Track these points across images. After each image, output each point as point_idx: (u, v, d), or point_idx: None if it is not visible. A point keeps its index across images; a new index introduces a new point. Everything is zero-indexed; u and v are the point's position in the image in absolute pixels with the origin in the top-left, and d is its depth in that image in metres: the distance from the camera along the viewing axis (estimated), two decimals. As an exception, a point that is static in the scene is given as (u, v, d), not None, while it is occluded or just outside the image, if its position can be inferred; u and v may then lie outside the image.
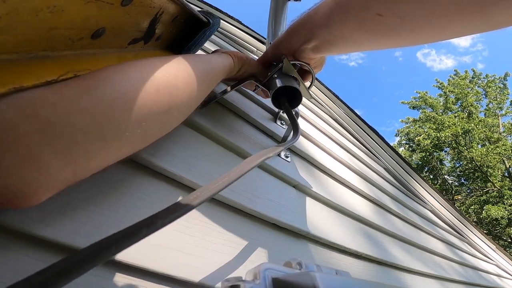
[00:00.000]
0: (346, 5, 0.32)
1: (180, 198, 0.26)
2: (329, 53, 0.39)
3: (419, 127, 8.48)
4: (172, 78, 0.24)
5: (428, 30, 0.29)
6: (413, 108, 8.88)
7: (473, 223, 1.76)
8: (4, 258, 0.17)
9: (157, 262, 0.21)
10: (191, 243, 0.25)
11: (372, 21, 0.30)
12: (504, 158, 7.43)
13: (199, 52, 0.55)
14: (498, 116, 8.51)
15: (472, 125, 7.56)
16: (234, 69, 0.40)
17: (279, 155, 0.48)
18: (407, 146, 9.08)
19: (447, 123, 7.67)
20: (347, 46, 0.36)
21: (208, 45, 0.63)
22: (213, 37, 0.72)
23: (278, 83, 0.40)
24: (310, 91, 0.45)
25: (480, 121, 7.91)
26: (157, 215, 0.16)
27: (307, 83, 0.45)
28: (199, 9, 0.43)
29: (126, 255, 0.20)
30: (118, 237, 0.14)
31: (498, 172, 7.54)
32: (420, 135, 8.11)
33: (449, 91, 8.56)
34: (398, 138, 9.29)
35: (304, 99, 0.47)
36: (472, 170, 7.95)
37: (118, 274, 0.20)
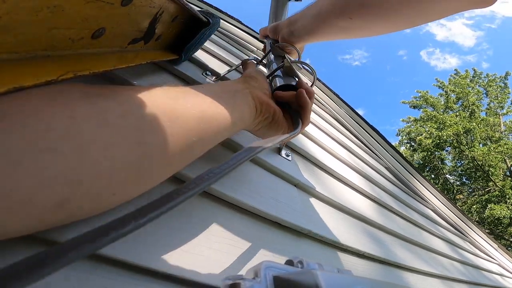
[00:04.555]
0: (326, 14, 0.43)
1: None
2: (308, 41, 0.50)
3: (420, 126, 8.47)
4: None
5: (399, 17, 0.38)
6: (414, 107, 8.87)
7: (475, 222, 1.75)
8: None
9: (157, 261, 0.21)
10: (191, 241, 0.25)
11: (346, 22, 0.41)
12: (505, 157, 7.40)
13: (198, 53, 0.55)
14: (499, 115, 8.48)
15: (474, 124, 7.54)
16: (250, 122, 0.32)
17: (279, 154, 0.48)
18: (408, 145, 9.06)
19: (449, 122, 7.65)
20: (324, 38, 0.47)
21: (208, 44, 0.63)
22: (213, 36, 0.72)
23: (279, 81, 0.40)
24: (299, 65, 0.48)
25: (482, 120, 7.88)
26: (143, 208, 0.14)
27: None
28: (199, 9, 0.43)
29: (125, 254, 0.20)
30: (102, 231, 0.12)
31: (499, 171, 7.51)
32: (422, 135, 8.09)
33: (450, 90, 8.54)
34: (399, 138, 9.27)
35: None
36: (473, 169, 7.92)
37: (117, 273, 0.20)
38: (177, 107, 0.22)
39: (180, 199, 0.15)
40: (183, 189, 0.16)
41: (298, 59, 0.47)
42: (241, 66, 0.49)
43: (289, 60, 0.41)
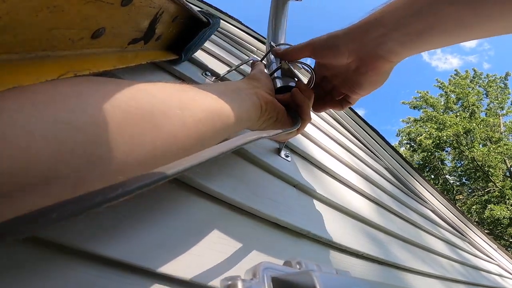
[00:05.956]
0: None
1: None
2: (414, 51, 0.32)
3: (420, 126, 8.47)
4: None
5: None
6: (414, 108, 8.87)
7: (475, 223, 1.75)
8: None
9: (156, 261, 0.21)
10: (189, 241, 0.25)
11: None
12: (505, 158, 7.41)
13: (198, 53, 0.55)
14: (499, 116, 8.49)
15: (474, 124, 7.55)
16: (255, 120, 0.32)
17: (279, 154, 0.48)
18: (408, 146, 9.07)
19: (449, 122, 7.65)
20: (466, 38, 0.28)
21: (208, 44, 0.63)
22: (213, 37, 0.72)
23: (278, 83, 0.40)
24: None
25: (481, 120, 7.88)
26: (122, 183, 0.14)
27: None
28: (199, 9, 0.43)
29: (123, 254, 0.20)
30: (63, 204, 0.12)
31: (499, 172, 7.51)
32: (421, 135, 8.09)
33: (450, 91, 8.54)
34: (399, 138, 9.27)
35: None
36: (473, 170, 7.92)
37: (115, 274, 0.20)
38: (186, 99, 0.22)
39: (166, 175, 0.15)
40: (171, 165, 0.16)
41: (312, 82, 0.42)
42: (241, 67, 0.49)
43: (287, 61, 0.41)
